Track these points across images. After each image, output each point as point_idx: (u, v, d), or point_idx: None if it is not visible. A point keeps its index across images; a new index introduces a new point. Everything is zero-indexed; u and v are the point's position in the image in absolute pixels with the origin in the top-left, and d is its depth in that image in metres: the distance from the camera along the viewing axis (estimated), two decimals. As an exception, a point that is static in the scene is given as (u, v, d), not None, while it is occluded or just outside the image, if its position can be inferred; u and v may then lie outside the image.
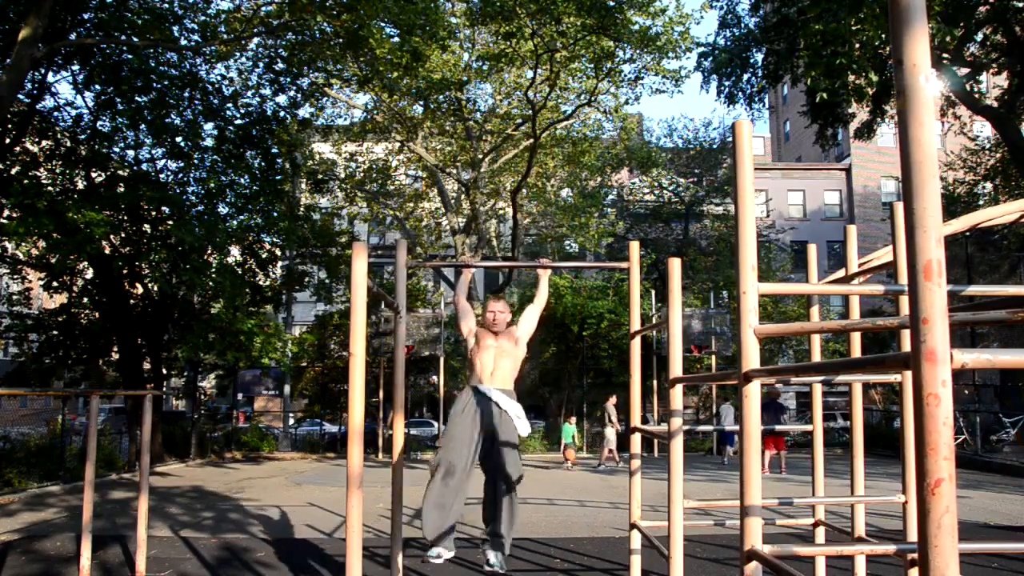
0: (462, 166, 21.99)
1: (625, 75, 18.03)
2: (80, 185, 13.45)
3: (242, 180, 14.25)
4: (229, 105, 14.37)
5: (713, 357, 18.66)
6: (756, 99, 17.40)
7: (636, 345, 4.44)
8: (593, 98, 18.38)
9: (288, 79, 14.38)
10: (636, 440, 4.38)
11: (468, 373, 4.54)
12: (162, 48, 12.90)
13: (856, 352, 4.40)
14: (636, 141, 24.80)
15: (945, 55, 14.21)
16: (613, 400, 16.78)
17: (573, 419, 17.54)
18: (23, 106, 12.81)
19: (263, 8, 13.34)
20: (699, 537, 6.98)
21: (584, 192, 23.17)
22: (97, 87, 13.13)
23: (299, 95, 14.90)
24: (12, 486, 11.14)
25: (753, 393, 1.95)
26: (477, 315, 4.97)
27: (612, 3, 14.83)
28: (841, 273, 4.74)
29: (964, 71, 16.18)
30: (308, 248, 15.62)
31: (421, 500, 4.16)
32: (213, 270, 13.22)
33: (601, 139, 22.76)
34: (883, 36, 11.83)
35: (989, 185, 22.32)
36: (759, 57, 16.81)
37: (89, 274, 15.21)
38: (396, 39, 13.72)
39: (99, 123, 13.62)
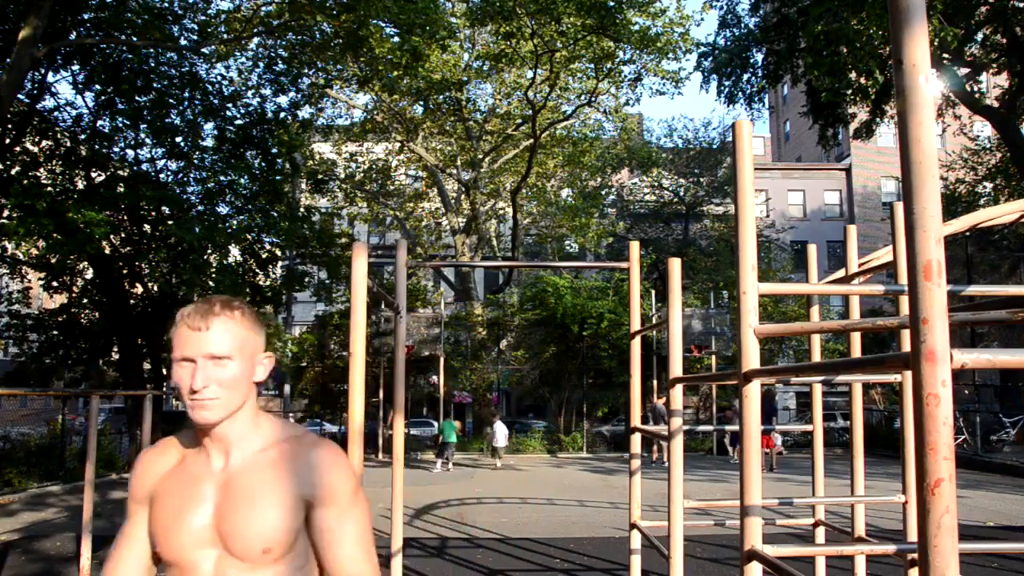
0: (462, 166, 22.01)
1: (625, 76, 18.07)
2: (80, 185, 13.43)
3: (242, 180, 14.23)
4: (229, 105, 14.37)
5: (713, 357, 18.65)
6: (756, 99, 17.42)
7: (636, 345, 4.44)
8: (593, 98, 18.42)
9: (288, 79, 14.38)
10: (636, 440, 4.38)
11: None
12: (162, 48, 12.89)
13: (856, 352, 4.39)
14: (636, 141, 24.81)
15: (945, 55, 14.21)
16: (663, 400, 16.75)
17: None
18: (23, 106, 12.80)
19: (263, 8, 13.34)
20: (699, 537, 6.98)
21: (584, 192, 23.18)
22: (97, 87, 13.13)
23: (299, 96, 14.91)
24: (12, 486, 11.15)
25: (753, 393, 1.95)
26: None
27: (612, 3, 14.85)
28: (841, 273, 4.74)
29: (964, 71, 16.17)
30: (308, 248, 15.62)
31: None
32: (213, 270, 13.21)
33: (601, 139, 22.77)
34: (884, 35, 11.84)
35: (989, 185, 22.32)
36: (759, 57, 16.83)
37: (89, 274, 15.19)
38: (396, 39, 13.73)
39: (99, 123, 13.61)
